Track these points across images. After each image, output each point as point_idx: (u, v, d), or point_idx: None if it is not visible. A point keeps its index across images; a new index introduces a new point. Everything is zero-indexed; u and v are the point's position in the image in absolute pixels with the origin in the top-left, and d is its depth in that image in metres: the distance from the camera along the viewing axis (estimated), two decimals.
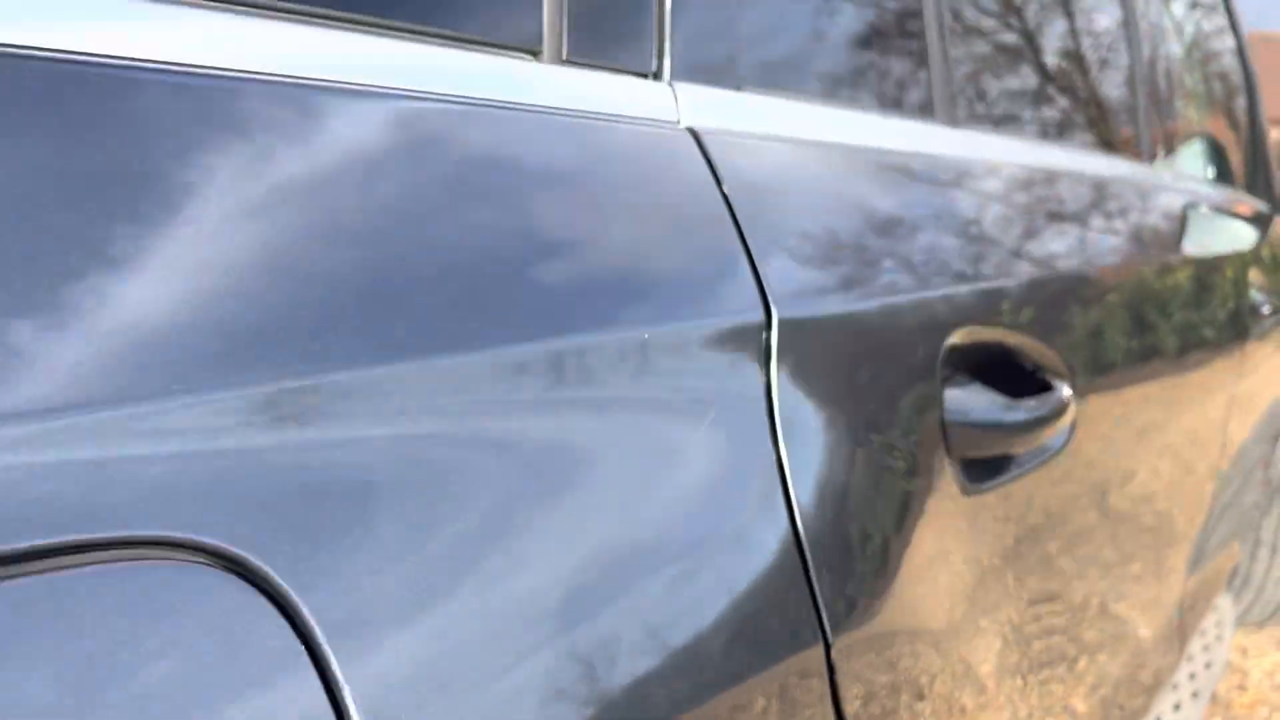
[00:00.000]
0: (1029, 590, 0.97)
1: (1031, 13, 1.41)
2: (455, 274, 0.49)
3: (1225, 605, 2.01)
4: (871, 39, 1.02)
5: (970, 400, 0.85)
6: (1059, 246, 1.15)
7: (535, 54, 0.59)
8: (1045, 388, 0.95)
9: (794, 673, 0.62)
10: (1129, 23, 1.69)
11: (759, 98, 0.77)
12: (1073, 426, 1.00)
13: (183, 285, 0.39)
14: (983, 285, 0.93)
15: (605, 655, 0.49)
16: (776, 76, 0.84)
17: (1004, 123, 1.27)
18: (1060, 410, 0.95)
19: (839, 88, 0.96)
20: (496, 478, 0.47)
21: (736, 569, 0.59)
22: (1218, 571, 1.86)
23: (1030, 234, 1.10)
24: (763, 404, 0.63)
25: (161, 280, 0.38)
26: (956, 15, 1.13)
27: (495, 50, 0.58)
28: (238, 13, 0.45)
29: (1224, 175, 2.11)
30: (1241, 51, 2.34)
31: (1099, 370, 1.16)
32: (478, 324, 0.49)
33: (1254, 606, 2.42)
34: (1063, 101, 1.48)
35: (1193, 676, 1.76)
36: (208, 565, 0.36)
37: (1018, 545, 0.94)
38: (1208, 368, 1.60)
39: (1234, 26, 2.31)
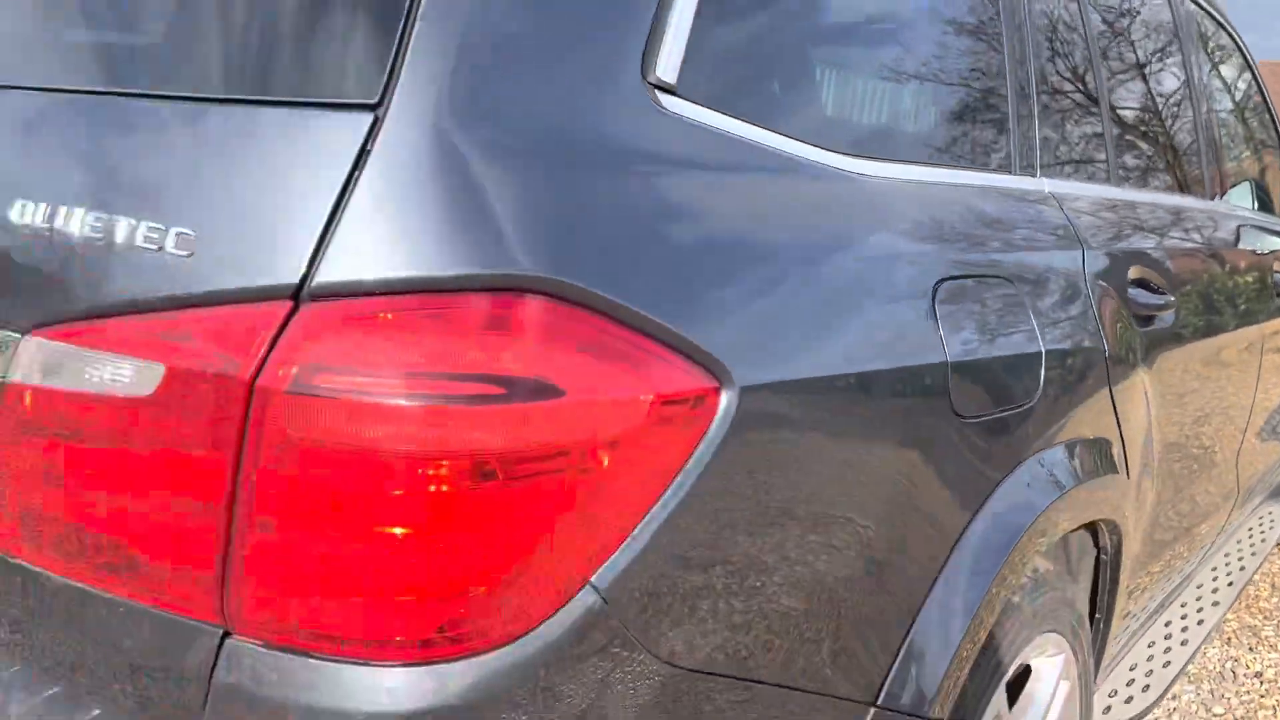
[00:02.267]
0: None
1: (1118, 81, 1.99)
2: None
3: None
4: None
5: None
6: (1160, 243, 1.93)
7: None
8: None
9: None
10: (1190, 84, 2.28)
11: None
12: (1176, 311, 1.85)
13: None
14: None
15: None
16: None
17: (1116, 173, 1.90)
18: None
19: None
20: None
21: None
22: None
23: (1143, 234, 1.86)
24: None
25: None
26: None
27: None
28: None
29: (1265, 205, 2.91)
30: (1269, 109, 3.04)
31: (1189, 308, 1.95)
32: None
33: None
34: (1149, 154, 2.12)
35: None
36: None
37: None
38: (1253, 324, 2.38)
39: (1257, 83, 2.93)
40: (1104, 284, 1.56)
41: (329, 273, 0.75)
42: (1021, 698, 1.54)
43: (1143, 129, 2.09)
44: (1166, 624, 2.49)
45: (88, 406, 0.80)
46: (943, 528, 1.15)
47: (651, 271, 0.85)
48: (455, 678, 0.77)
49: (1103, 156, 1.81)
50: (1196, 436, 2.09)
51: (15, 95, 0.95)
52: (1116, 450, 1.57)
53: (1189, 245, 2.08)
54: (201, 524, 0.78)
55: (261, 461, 0.75)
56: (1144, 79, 2.09)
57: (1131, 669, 2.26)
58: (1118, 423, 1.57)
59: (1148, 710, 2.14)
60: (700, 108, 0.97)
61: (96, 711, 0.85)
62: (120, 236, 0.81)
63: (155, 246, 0.80)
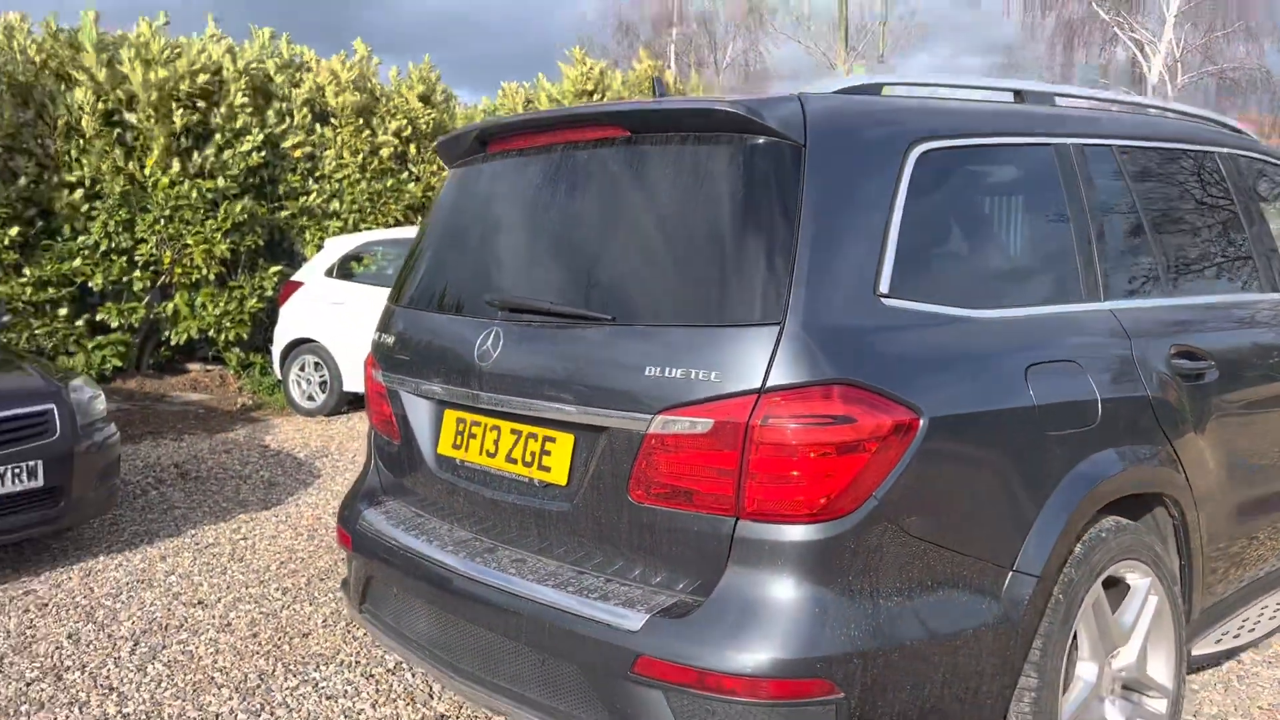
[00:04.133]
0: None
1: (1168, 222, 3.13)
2: None
3: None
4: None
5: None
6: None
7: None
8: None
9: None
10: (1238, 210, 3.42)
11: None
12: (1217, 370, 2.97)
13: None
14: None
15: None
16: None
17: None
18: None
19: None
20: None
21: None
22: None
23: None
24: None
25: None
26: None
27: None
28: None
29: None
30: None
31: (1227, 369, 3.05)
32: None
33: None
34: (1199, 267, 3.19)
35: None
36: None
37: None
38: None
39: None
40: (1147, 357, 2.72)
41: (771, 381, 2.09)
42: (1126, 596, 2.67)
43: (1194, 252, 3.22)
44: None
45: (687, 438, 2.17)
46: (1046, 481, 2.35)
47: (889, 369, 2.15)
48: (825, 528, 2.07)
49: (1156, 274, 2.97)
50: (1257, 454, 3.14)
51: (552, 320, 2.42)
52: (1165, 451, 2.69)
53: (1230, 327, 3.17)
54: (730, 480, 2.12)
55: (750, 452, 2.08)
56: (1190, 218, 3.24)
57: (1244, 620, 3.26)
58: (1165, 435, 2.70)
59: (1244, 647, 3.14)
60: (901, 300, 2.26)
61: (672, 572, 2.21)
62: (681, 375, 2.18)
63: (704, 378, 2.16)
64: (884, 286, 2.24)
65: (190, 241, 8.84)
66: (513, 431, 2.55)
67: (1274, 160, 3.81)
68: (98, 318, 8.89)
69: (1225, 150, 3.48)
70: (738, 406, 2.10)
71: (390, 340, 2.99)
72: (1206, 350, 2.94)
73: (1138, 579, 2.68)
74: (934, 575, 2.19)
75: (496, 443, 2.59)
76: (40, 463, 4.64)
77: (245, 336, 9.20)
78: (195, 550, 5.05)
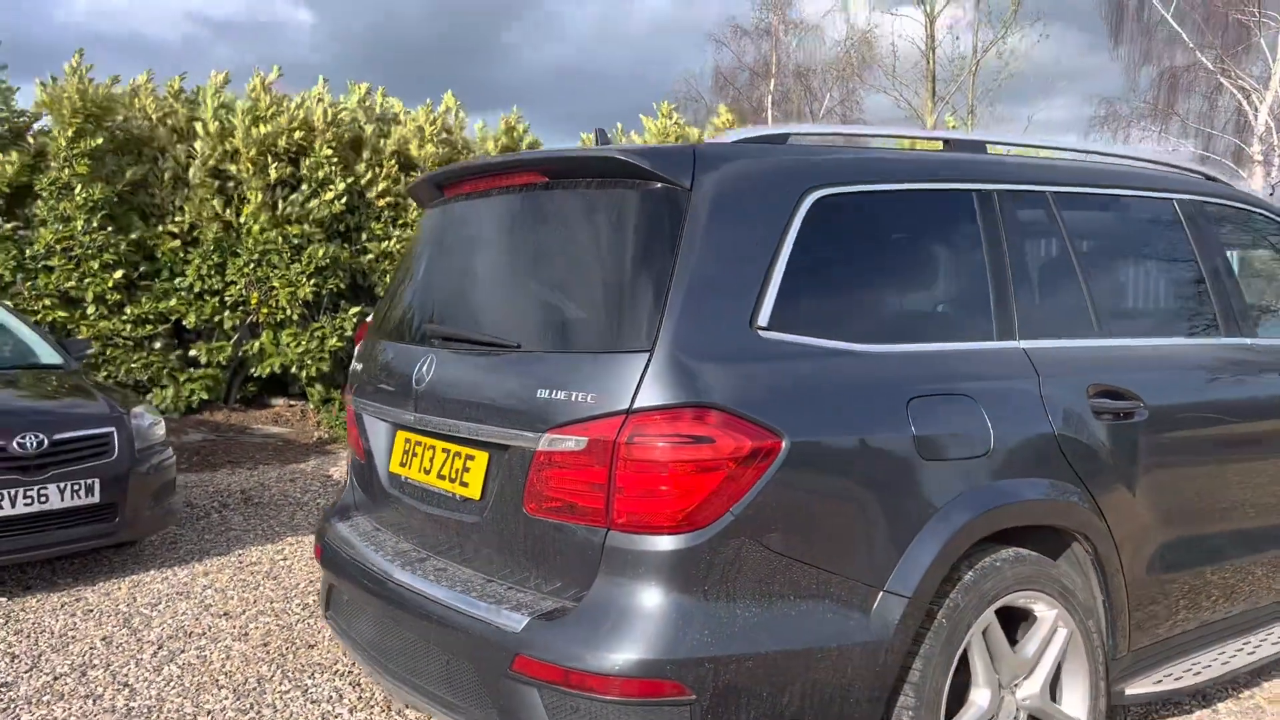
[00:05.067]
0: None
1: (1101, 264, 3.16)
2: None
3: None
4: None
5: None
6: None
7: None
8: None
9: None
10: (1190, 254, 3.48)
11: None
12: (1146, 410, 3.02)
13: None
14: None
15: None
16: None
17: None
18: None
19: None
20: None
21: None
22: None
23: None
24: None
25: None
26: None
27: None
28: None
29: None
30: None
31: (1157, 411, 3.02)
32: None
33: None
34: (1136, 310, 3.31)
35: None
36: None
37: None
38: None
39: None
40: (1057, 394, 2.79)
41: (638, 403, 2.28)
42: (1031, 628, 2.74)
43: (1135, 296, 3.27)
44: (1245, 643, 3.43)
45: (569, 455, 2.37)
46: (924, 508, 2.46)
47: (754, 395, 2.31)
48: (683, 540, 2.23)
49: (1086, 316, 3.04)
50: (1201, 498, 3.15)
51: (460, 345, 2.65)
52: (1074, 488, 2.76)
53: (1170, 369, 3.20)
54: (601, 493, 2.31)
55: (618, 467, 2.27)
56: (1133, 263, 3.30)
57: (1193, 664, 3.26)
58: (1075, 472, 2.77)
59: (1186, 690, 3.14)
60: (781, 333, 2.42)
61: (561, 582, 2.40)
62: (565, 397, 2.39)
63: (582, 400, 2.36)
64: (763, 320, 2.41)
65: (276, 284, 9.43)
66: (444, 450, 2.79)
67: (1255, 208, 3.82)
68: (190, 353, 9.54)
69: (1185, 197, 3.52)
70: (608, 426, 2.29)
71: (359, 367, 3.28)
72: (1133, 391, 2.99)
73: (1044, 610, 2.75)
74: (798, 590, 2.33)
75: (431, 460, 2.83)
76: (98, 480, 5.09)
77: (326, 371, 9.72)
78: (237, 568, 5.43)
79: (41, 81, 9.24)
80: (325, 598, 3.24)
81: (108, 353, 9.15)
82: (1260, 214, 3.84)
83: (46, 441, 4.98)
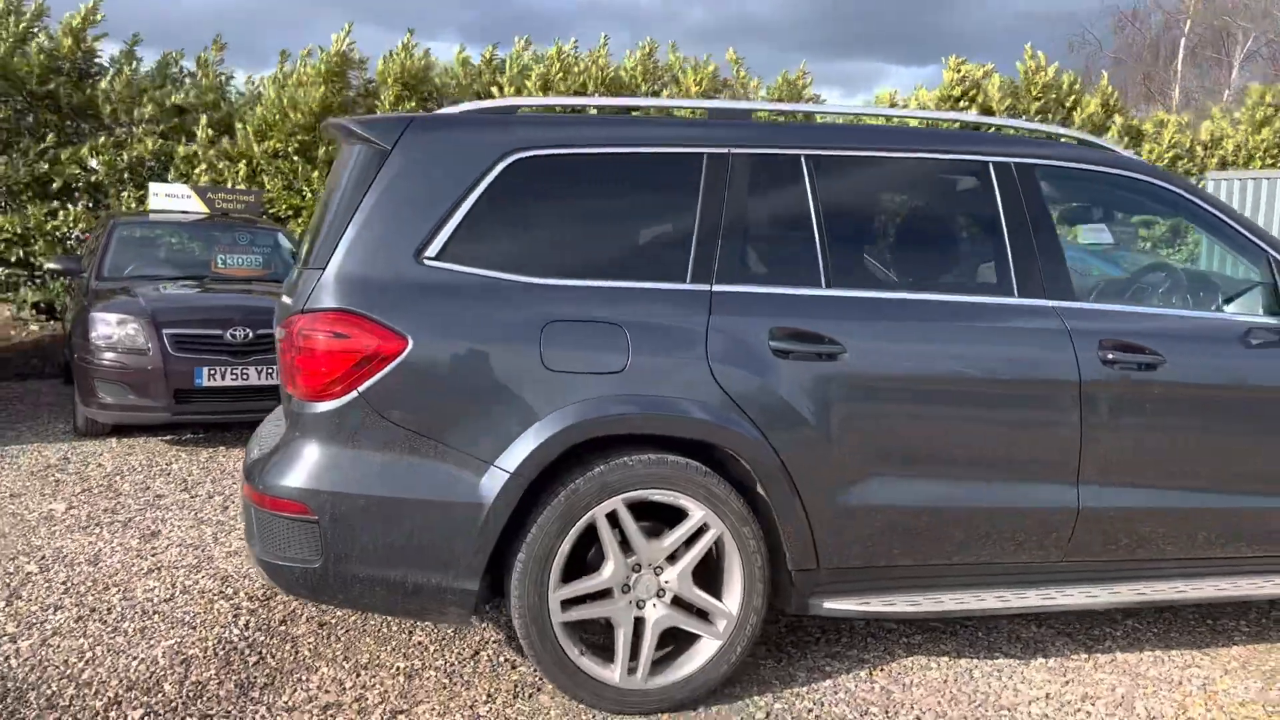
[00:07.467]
0: None
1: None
2: None
3: None
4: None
5: None
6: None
7: None
8: None
9: None
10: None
11: None
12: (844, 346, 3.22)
13: None
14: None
15: None
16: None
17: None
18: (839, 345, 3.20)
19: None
20: None
21: None
22: None
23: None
24: None
25: None
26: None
27: None
28: None
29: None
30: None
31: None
32: None
33: None
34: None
35: None
36: None
37: None
38: None
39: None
40: (728, 330, 3.23)
41: (307, 306, 3.12)
42: (684, 523, 3.25)
43: (883, 250, 3.53)
44: (974, 596, 3.59)
45: (284, 341, 3.29)
46: (542, 406, 3.09)
47: (393, 305, 3.07)
48: (322, 406, 3.06)
49: (812, 267, 3.40)
50: (915, 441, 3.39)
51: None
52: (734, 417, 3.20)
53: (905, 319, 3.42)
54: (289, 370, 3.20)
55: (292, 352, 3.14)
56: (896, 220, 3.55)
57: (916, 599, 3.51)
58: (733, 401, 3.20)
59: (891, 616, 3.42)
60: (445, 263, 3.14)
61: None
62: (289, 301, 3.29)
63: (289, 303, 3.25)
64: (432, 252, 3.15)
65: None
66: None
67: (1128, 172, 3.81)
68: None
69: (1003, 160, 3.64)
70: (291, 322, 3.16)
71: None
72: (831, 336, 3.30)
73: (694, 509, 3.24)
74: (416, 453, 3.07)
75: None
76: None
77: None
78: None
79: (383, 56, 12.15)
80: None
81: None
82: (1132, 178, 3.82)
83: (251, 334, 6.75)
